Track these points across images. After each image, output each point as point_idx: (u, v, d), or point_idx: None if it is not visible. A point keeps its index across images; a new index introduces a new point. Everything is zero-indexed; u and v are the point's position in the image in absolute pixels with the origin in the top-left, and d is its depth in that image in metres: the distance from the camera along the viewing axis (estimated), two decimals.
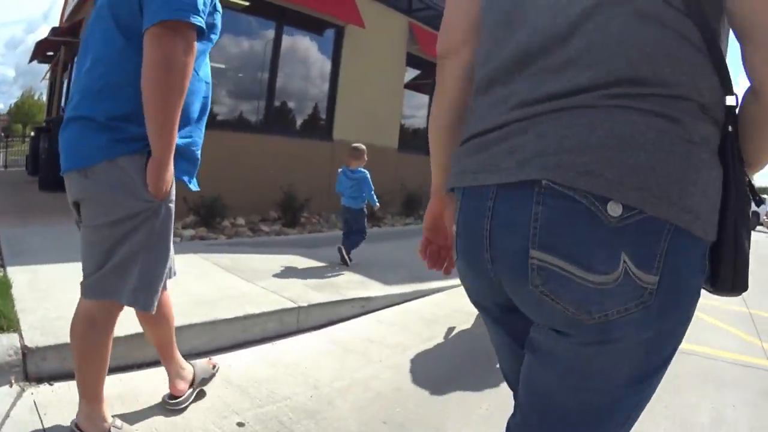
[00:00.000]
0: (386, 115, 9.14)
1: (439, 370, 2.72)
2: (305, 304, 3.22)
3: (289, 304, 3.18)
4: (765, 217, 20.64)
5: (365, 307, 3.60)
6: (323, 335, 3.15)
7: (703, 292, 0.77)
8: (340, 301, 3.47)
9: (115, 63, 1.52)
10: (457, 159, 0.90)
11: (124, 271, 1.60)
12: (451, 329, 3.43)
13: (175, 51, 1.43)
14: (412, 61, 9.62)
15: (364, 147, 4.92)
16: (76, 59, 1.70)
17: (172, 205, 1.67)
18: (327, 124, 8.13)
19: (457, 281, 4.41)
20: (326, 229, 6.47)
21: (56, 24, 13.53)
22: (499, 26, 0.85)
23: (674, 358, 0.79)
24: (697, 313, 0.80)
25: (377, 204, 4.95)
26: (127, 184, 1.54)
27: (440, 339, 3.23)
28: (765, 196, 17.23)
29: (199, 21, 1.47)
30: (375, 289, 3.92)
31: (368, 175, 4.82)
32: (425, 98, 10.98)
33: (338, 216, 7.31)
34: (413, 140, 10.47)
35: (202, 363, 2.22)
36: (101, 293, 1.62)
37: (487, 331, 1.01)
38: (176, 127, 1.51)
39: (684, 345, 0.81)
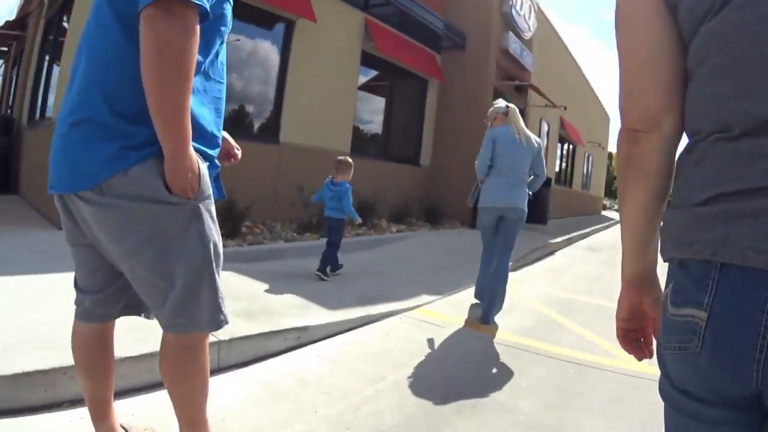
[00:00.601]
0: (338, 117, 8.62)
1: (385, 425, 2.26)
2: (227, 338, 2.69)
3: (209, 338, 2.65)
4: None
5: (301, 338, 3.09)
6: (249, 375, 2.64)
7: None
8: (271, 333, 2.94)
9: (114, 58, 1.35)
10: (699, 221, 0.74)
11: (195, 292, 1.45)
12: (403, 367, 2.96)
13: (170, 33, 1.24)
14: (366, 60, 9.16)
15: (350, 160, 4.96)
16: (73, 60, 1.47)
17: (210, 202, 1.48)
18: (273, 126, 7.55)
19: (412, 303, 3.88)
20: (268, 241, 5.87)
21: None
22: (737, 69, 0.72)
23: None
24: None
25: (358, 219, 5.00)
26: (148, 194, 1.35)
27: (390, 380, 2.75)
28: None
29: (200, 0, 1.29)
30: (315, 315, 3.42)
31: (349, 190, 4.81)
32: (381, 100, 10.56)
33: (284, 225, 6.80)
34: (367, 145, 10.03)
35: (138, 430, 1.87)
36: (178, 325, 1.47)
37: (675, 425, 0.82)
38: (186, 115, 1.31)
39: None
